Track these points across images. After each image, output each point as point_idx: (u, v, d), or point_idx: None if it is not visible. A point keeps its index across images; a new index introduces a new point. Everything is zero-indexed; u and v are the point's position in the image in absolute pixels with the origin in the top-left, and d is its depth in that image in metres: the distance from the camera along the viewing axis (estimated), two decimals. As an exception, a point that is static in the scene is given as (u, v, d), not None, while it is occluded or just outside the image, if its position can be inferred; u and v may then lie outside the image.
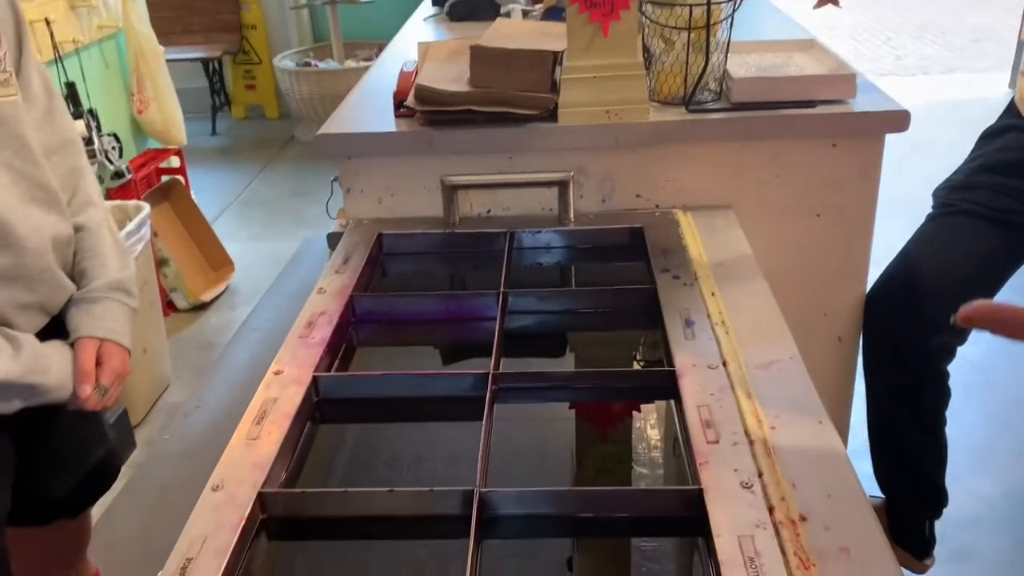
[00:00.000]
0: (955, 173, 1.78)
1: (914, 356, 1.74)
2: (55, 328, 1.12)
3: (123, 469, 2.44)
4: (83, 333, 1.12)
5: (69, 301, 1.13)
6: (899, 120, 1.57)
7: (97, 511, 2.06)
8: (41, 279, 1.07)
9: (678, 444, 1.06)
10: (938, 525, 1.92)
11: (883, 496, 1.91)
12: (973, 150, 1.79)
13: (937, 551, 1.92)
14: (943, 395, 1.80)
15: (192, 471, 0.95)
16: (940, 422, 1.82)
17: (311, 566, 0.98)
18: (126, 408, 2.53)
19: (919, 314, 1.68)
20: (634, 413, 1.24)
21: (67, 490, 1.21)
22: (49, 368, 1.05)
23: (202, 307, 3.36)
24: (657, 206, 1.65)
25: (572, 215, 1.57)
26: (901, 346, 1.74)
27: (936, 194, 1.79)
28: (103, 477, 1.28)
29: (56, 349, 1.08)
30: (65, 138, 1.15)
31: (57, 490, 1.20)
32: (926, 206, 1.80)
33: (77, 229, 1.15)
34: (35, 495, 1.17)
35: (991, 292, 1.73)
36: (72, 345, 1.12)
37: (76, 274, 1.15)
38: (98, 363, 1.11)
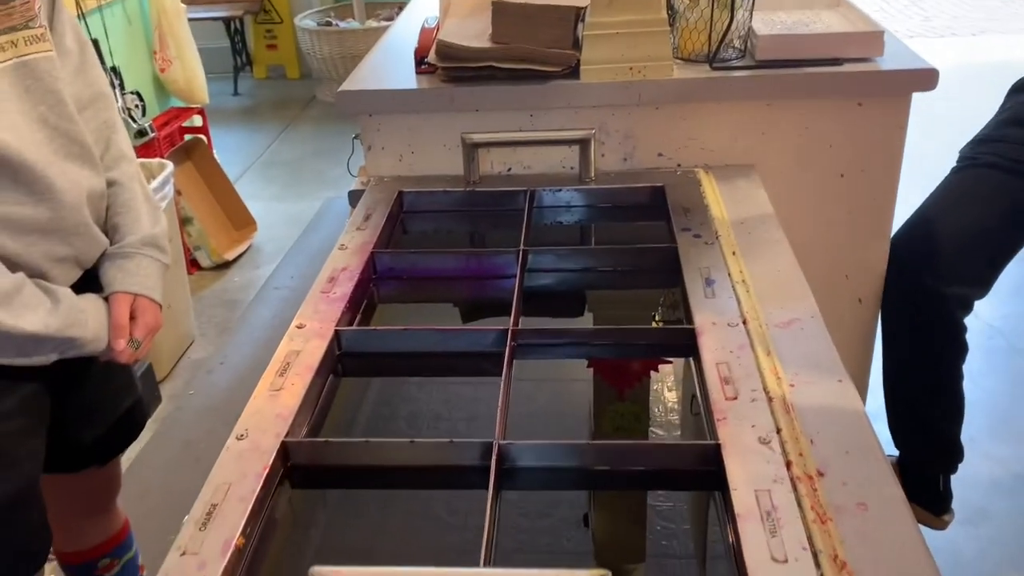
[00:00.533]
0: (983, 128, 1.77)
1: (931, 305, 1.73)
2: (88, 282, 1.14)
3: (148, 423, 2.50)
4: (117, 288, 1.14)
5: (102, 256, 1.15)
6: (926, 78, 1.54)
7: (124, 463, 2.11)
8: (77, 233, 1.09)
9: (696, 402, 1.07)
10: (953, 487, 1.92)
11: (896, 454, 1.92)
12: (1002, 104, 1.77)
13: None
14: (960, 348, 1.79)
15: (216, 425, 0.97)
16: (957, 376, 1.81)
17: (333, 515, 1.01)
18: (151, 363, 2.57)
19: (937, 263, 1.68)
20: (652, 374, 1.24)
21: (97, 438, 1.24)
22: (86, 322, 1.07)
23: (225, 266, 3.39)
24: (679, 165, 1.64)
25: (593, 174, 1.57)
26: (919, 294, 1.73)
27: (962, 149, 1.78)
28: (132, 426, 1.31)
29: (91, 303, 1.10)
30: (97, 91, 1.15)
31: (88, 438, 1.23)
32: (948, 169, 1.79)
33: (110, 184, 1.16)
34: (67, 443, 1.19)
35: (1013, 246, 1.72)
36: (106, 299, 1.14)
37: (109, 228, 1.16)
38: (131, 317, 1.13)
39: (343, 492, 1.03)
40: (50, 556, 1.20)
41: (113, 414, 1.26)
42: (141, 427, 1.33)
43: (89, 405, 1.22)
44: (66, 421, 1.17)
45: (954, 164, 1.78)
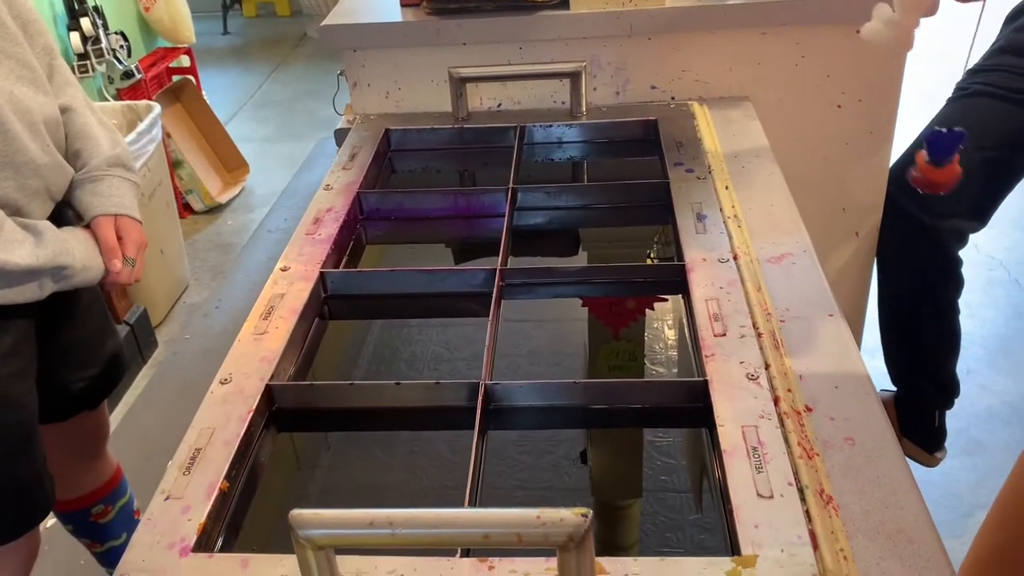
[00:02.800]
0: (979, 58, 1.73)
1: (926, 239, 1.71)
2: (59, 215, 1.12)
3: (144, 368, 2.50)
4: (97, 212, 1.12)
5: (71, 185, 1.13)
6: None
7: (121, 409, 2.12)
8: (44, 162, 1.06)
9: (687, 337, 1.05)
10: (949, 419, 1.92)
11: (893, 390, 1.92)
12: (998, 34, 1.72)
13: (948, 444, 1.93)
14: (956, 282, 1.77)
15: (213, 369, 0.96)
16: (953, 310, 1.80)
17: (335, 456, 1.00)
18: (146, 308, 2.57)
19: (930, 196, 1.65)
20: (647, 312, 1.23)
21: (84, 381, 1.23)
22: (72, 250, 1.06)
23: (218, 209, 3.37)
24: (673, 98, 1.60)
25: (584, 108, 1.53)
26: (913, 228, 1.71)
27: (958, 83, 1.74)
28: (116, 368, 1.30)
29: (72, 233, 1.09)
30: (29, 17, 1.11)
31: (74, 381, 1.22)
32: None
33: (63, 110, 1.13)
34: (55, 389, 1.19)
35: (1011, 176, 1.69)
36: (87, 227, 1.12)
37: (69, 156, 1.14)
38: (118, 238, 1.12)
39: (344, 434, 1.02)
40: None
41: (96, 356, 1.25)
42: (125, 369, 1.32)
43: (71, 348, 1.21)
44: (51, 366, 1.16)
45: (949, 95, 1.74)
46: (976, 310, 2.43)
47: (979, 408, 2.14)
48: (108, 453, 1.37)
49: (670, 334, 1.17)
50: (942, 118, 1.71)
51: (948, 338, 1.82)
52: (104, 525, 1.37)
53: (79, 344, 1.22)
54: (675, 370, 1.10)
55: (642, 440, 1.00)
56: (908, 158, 1.73)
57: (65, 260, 1.05)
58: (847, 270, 1.78)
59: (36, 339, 1.12)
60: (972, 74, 1.70)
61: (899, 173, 1.70)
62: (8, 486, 1.07)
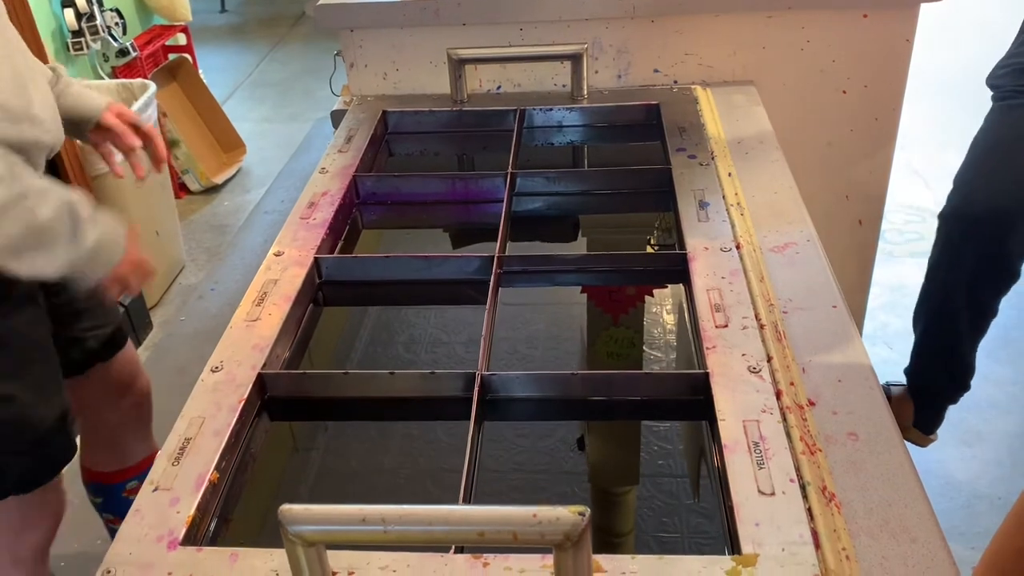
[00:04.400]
0: (1013, 55, 1.57)
1: (998, 269, 1.61)
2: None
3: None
4: (94, 108, 1.14)
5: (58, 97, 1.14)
6: (937, -13, 1.46)
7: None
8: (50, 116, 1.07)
9: (687, 324, 1.04)
10: (950, 408, 1.91)
11: (901, 383, 1.88)
12: None
13: (947, 434, 1.91)
14: (1013, 281, 1.67)
15: (208, 351, 0.94)
16: (997, 307, 1.72)
17: (332, 440, 0.99)
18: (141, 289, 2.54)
19: (1007, 230, 1.54)
20: (647, 298, 1.21)
21: (97, 333, 1.23)
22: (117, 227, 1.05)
23: (214, 189, 3.33)
24: (675, 82, 1.57)
25: (586, 91, 1.50)
26: (986, 262, 1.61)
27: (996, 81, 1.58)
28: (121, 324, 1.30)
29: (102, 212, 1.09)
30: None
31: (87, 338, 1.22)
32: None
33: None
34: (67, 342, 1.18)
35: None
36: (98, 125, 1.15)
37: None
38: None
39: (324, 424, 1.01)
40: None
41: (102, 309, 1.25)
42: (124, 330, 1.32)
43: (75, 302, 1.19)
44: (61, 319, 1.15)
45: (992, 97, 1.59)
46: (977, 299, 2.42)
47: (979, 399, 2.12)
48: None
49: (669, 319, 1.15)
50: (998, 129, 1.57)
51: (982, 334, 1.77)
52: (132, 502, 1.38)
53: (82, 298, 1.21)
54: (673, 356, 1.09)
55: (639, 428, 0.99)
56: (967, 190, 1.59)
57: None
58: (849, 258, 1.76)
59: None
60: (1019, 74, 1.53)
61: (961, 209, 1.58)
62: (37, 427, 1.07)
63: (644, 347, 1.12)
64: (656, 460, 0.91)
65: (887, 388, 1.89)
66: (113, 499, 1.40)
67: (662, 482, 0.89)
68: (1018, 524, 0.99)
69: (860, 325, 1.88)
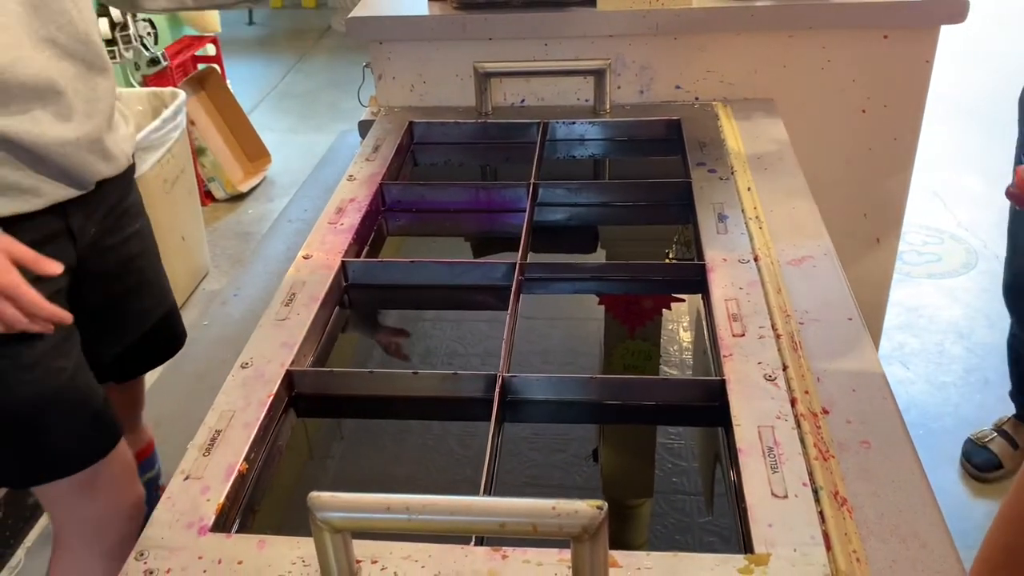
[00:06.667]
0: None
1: None
2: None
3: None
4: None
5: None
6: (956, 8, 1.48)
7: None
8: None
9: (704, 340, 1.06)
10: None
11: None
12: None
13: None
14: None
15: (230, 356, 0.97)
16: None
17: (348, 446, 1.01)
18: (166, 294, 2.58)
19: None
20: (664, 313, 1.23)
21: (120, 350, 1.25)
22: None
23: (239, 198, 3.39)
24: (697, 98, 1.60)
25: (608, 106, 1.53)
26: None
27: None
28: (160, 344, 1.31)
29: None
30: None
31: (109, 351, 1.24)
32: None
33: None
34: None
35: None
36: None
37: None
38: None
39: (357, 425, 1.03)
40: None
41: (135, 327, 1.26)
42: (173, 347, 1.34)
43: (107, 312, 1.22)
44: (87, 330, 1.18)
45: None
46: (995, 321, 2.41)
47: (995, 419, 2.12)
48: (143, 424, 1.38)
49: (685, 336, 1.17)
50: None
51: None
52: None
53: (118, 309, 1.23)
54: (689, 372, 1.11)
55: (654, 440, 1.00)
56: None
57: None
58: (867, 276, 1.77)
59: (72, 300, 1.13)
60: None
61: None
62: (85, 402, 1.10)
63: (660, 364, 1.14)
64: (670, 477, 0.93)
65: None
66: None
67: (676, 499, 0.90)
68: (1004, 522, 1.01)
69: (876, 344, 1.89)
